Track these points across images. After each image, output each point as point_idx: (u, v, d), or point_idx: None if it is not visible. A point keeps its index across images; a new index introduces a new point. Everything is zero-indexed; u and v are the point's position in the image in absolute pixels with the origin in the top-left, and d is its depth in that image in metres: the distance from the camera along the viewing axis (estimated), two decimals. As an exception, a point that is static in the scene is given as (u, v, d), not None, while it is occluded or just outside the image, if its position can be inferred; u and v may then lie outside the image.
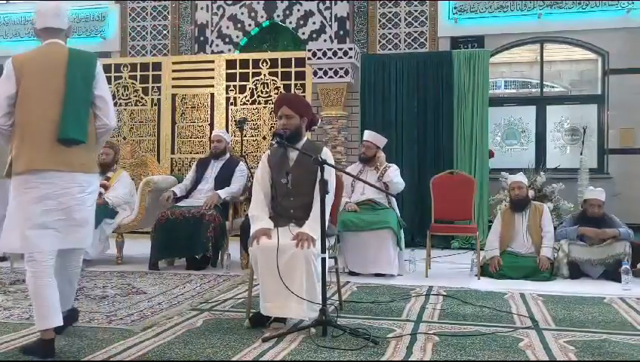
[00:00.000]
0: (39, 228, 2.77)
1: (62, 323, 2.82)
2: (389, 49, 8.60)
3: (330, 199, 3.47)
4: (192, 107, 7.81)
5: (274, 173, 3.55)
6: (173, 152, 7.83)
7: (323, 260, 3.21)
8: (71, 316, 3.13)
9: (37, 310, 2.77)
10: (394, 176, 5.23)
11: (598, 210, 5.10)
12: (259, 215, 3.46)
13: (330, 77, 7.12)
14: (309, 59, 7.16)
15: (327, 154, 3.49)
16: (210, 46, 9.38)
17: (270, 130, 7.39)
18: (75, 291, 3.25)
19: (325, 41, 8.89)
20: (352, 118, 7.36)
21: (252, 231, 3.38)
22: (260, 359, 2.77)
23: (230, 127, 7.52)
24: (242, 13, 9.31)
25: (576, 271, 5.00)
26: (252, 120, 7.53)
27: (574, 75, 9.44)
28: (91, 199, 2.98)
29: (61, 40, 2.97)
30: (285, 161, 3.53)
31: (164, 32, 9.53)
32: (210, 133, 7.40)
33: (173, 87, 7.85)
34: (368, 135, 5.52)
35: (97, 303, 3.92)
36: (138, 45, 9.60)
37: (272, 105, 7.38)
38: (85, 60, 2.96)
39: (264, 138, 7.51)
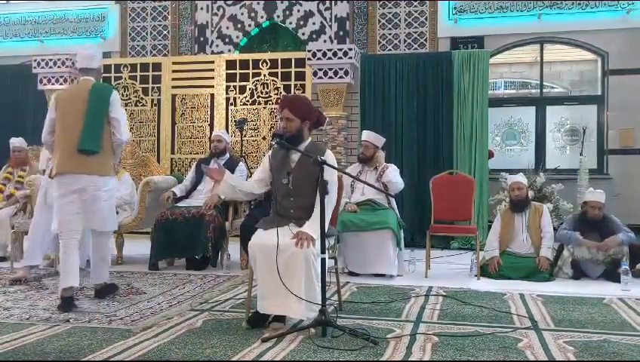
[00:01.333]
0: (68, 214, 3.85)
1: (77, 284, 3.82)
2: (389, 49, 8.61)
3: (331, 202, 3.48)
4: (192, 107, 7.81)
5: (275, 173, 3.56)
6: (173, 152, 7.83)
7: (323, 260, 3.21)
8: (110, 288, 4.15)
9: (62, 273, 3.80)
10: (393, 176, 5.23)
11: (598, 212, 5.09)
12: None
13: (330, 77, 7.12)
14: (309, 59, 7.16)
15: (329, 156, 3.50)
16: (210, 46, 9.39)
17: (270, 130, 7.39)
18: (108, 267, 4.20)
19: (325, 41, 8.90)
20: (352, 118, 7.37)
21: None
22: (260, 359, 2.77)
23: (230, 128, 7.52)
24: (242, 14, 9.31)
25: (579, 271, 5.00)
26: (252, 120, 7.54)
27: (574, 76, 9.45)
28: (106, 195, 3.96)
29: (92, 77, 4.05)
30: (287, 162, 3.54)
31: (164, 32, 9.53)
32: (210, 134, 7.40)
33: (173, 87, 7.85)
34: (367, 135, 5.52)
35: (97, 303, 3.92)
36: (138, 45, 9.61)
37: (272, 106, 7.42)
38: (103, 91, 3.98)
39: (264, 138, 7.52)
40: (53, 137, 3.96)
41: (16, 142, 6.40)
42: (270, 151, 3.70)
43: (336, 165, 3.50)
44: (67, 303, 3.72)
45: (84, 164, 3.83)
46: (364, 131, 5.71)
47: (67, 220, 3.85)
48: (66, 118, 3.88)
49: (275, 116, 7.34)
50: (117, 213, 5.60)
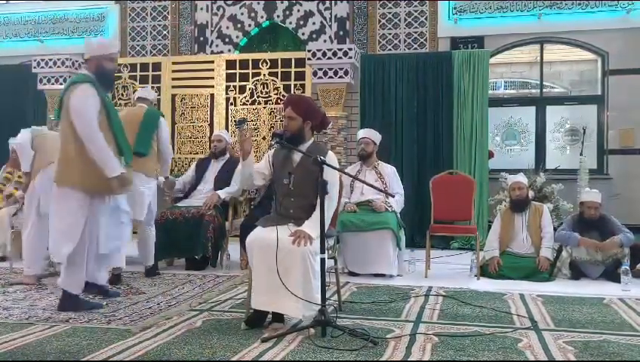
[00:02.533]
0: None
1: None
2: (389, 49, 8.60)
3: (332, 203, 3.47)
4: (191, 107, 7.80)
5: (276, 172, 3.56)
6: (172, 152, 7.82)
7: (322, 260, 3.21)
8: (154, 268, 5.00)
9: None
10: (396, 206, 5.23)
11: (594, 212, 5.09)
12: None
13: (330, 77, 7.11)
14: (309, 59, 7.15)
15: (331, 157, 3.49)
16: (210, 46, 9.38)
17: (270, 130, 7.39)
18: (152, 251, 4.95)
19: (325, 41, 8.90)
20: (352, 118, 7.36)
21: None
22: (259, 359, 2.77)
23: (230, 128, 7.52)
24: (242, 14, 9.31)
25: (578, 272, 5.00)
26: (252, 120, 7.53)
27: (574, 76, 9.44)
28: (147, 191, 4.82)
29: (146, 104, 5.13)
30: (288, 162, 3.54)
31: (164, 32, 9.53)
32: (211, 134, 7.40)
33: (173, 87, 7.84)
34: (366, 132, 5.57)
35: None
36: (138, 45, 9.60)
37: (272, 106, 7.41)
38: (153, 115, 5.03)
39: (264, 138, 7.51)
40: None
41: (13, 142, 6.39)
42: (272, 151, 3.69)
43: (337, 166, 3.49)
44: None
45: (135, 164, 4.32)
46: (360, 130, 5.75)
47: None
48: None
49: (275, 116, 7.34)
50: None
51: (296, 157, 3.53)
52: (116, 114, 3.94)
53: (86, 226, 3.71)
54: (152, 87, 7.88)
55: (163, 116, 5.19)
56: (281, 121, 3.38)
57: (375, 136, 5.50)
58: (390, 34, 8.67)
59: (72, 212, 3.69)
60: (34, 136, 5.04)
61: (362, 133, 5.58)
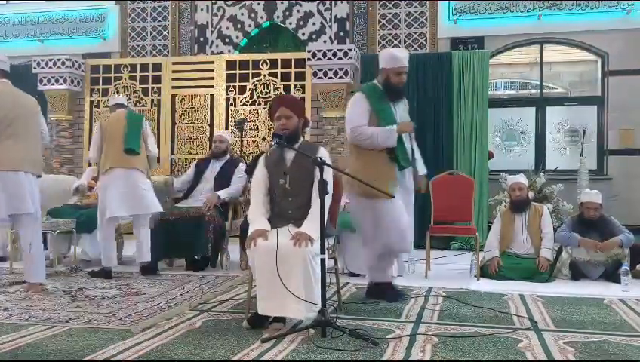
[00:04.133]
0: (113, 200, 4.98)
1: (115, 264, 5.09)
2: (389, 50, 8.60)
3: (327, 200, 3.46)
4: (191, 108, 7.81)
5: (271, 174, 3.55)
6: (173, 153, 7.83)
7: (322, 261, 3.20)
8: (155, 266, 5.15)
9: (104, 255, 4.96)
10: None
11: (594, 212, 5.09)
12: (256, 217, 3.46)
13: (330, 78, 7.12)
14: (309, 59, 7.16)
15: (324, 154, 3.48)
16: (210, 47, 9.39)
17: (270, 130, 7.39)
18: (149, 246, 5.08)
19: (325, 42, 8.90)
20: (352, 118, 7.35)
21: (249, 232, 3.39)
22: (259, 359, 2.76)
23: (230, 128, 7.52)
24: (242, 14, 9.32)
25: (578, 272, 5.00)
26: (252, 120, 7.53)
27: (574, 76, 9.44)
28: (145, 186, 5.10)
29: (124, 109, 5.36)
30: (282, 162, 3.53)
31: (164, 32, 9.54)
32: (211, 134, 7.40)
33: (173, 87, 7.85)
34: None
35: (97, 304, 3.92)
36: (138, 46, 9.61)
37: (272, 106, 7.40)
38: (135, 117, 5.38)
39: (264, 139, 7.51)
40: (100, 152, 5.12)
41: None
42: (262, 156, 3.68)
43: (330, 163, 3.47)
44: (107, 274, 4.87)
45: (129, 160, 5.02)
46: None
47: (112, 206, 4.91)
48: (113, 134, 5.10)
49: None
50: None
51: (290, 156, 3.52)
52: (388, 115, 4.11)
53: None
54: (152, 88, 7.92)
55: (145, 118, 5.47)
56: (278, 120, 3.37)
57: None
58: (390, 34, 8.67)
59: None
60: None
61: None
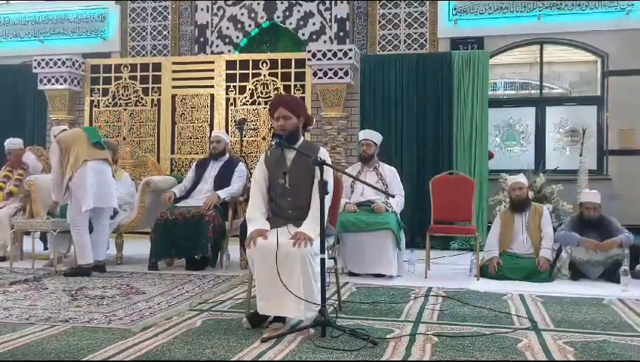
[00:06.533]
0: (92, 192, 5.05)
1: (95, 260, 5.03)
2: (389, 50, 8.61)
3: (327, 199, 3.46)
4: (191, 108, 7.81)
5: (271, 173, 3.55)
6: (172, 153, 7.83)
7: (322, 261, 3.20)
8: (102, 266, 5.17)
9: (79, 252, 5.01)
10: (396, 206, 5.24)
11: (594, 212, 5.10)
12: (255, 216, 3.46)
13: (330, 78, 7.12)
14: (309, 60, 7.16)
15: (324, 154, 3.48)
16: (210, 47, 9.39)
17: (270, 130, 7.39)
18: (106, 243, 5.30)
19: (325, 42, 8.91)
20: (352, 118, 7.37)
21: (248, 232, 3.39)
22: (259, 359, 2.77)
23: (230, 128, 7.52)
24: (242, 14, 9.32)
25: (577, 272, 5.00)
26: (252, 120, 7.54)
27: (574, 77, 9.44)
28: (111, 180, 5.23)
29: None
30: (282, 162, 3.53)
31: (164, 32, 9.54)
32: (211, 134, 7.40)
33: (173, 87, 7.85)
34: (367, 133, 5.55)
35: (97, 303, 3.92)
36: (138, 46, 9.61)
37: (272, 106, 7.40)
38: (91, 128, 6.14)
39: (263, 139, 7.52)
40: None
41: (6, 143, 6.43)
42: (262, 156, 3.68)
43: (330, 162, 3.47)
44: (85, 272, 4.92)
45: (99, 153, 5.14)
46: (361, 131, 5.74)
47: (89, 198, 4.94)
48: (80, 143, 5.13)
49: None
50: (117, 213, 5.65)
51: (290, 155, 3.52)
52: None
53: None
54: (152, 87, 7.92)
55: None
56: (276, 121, 3.37)
57: (376, 137, 5.50)
58: (390, 34, 8.68)
59: None
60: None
61: (363, 134, 5.56)
